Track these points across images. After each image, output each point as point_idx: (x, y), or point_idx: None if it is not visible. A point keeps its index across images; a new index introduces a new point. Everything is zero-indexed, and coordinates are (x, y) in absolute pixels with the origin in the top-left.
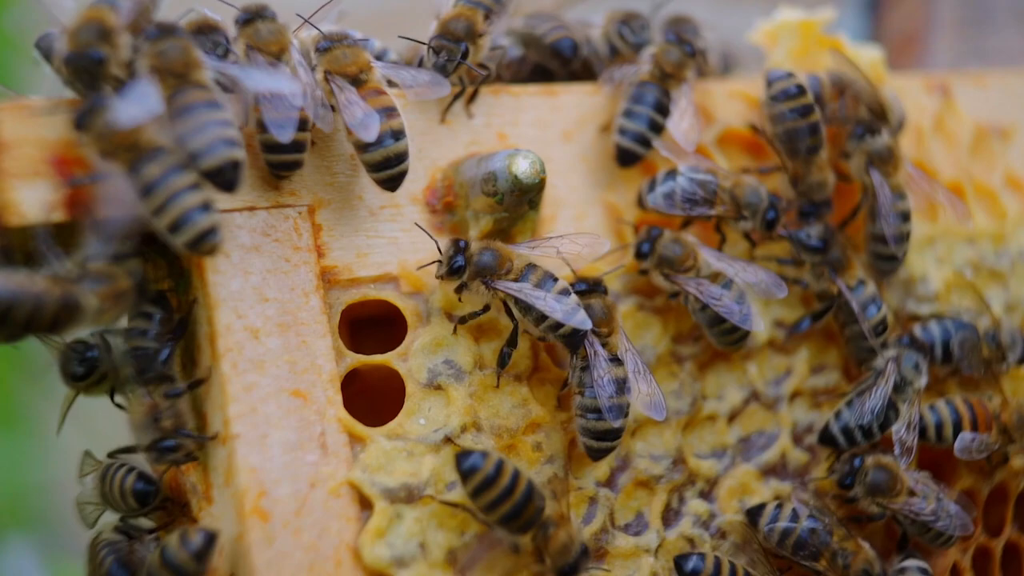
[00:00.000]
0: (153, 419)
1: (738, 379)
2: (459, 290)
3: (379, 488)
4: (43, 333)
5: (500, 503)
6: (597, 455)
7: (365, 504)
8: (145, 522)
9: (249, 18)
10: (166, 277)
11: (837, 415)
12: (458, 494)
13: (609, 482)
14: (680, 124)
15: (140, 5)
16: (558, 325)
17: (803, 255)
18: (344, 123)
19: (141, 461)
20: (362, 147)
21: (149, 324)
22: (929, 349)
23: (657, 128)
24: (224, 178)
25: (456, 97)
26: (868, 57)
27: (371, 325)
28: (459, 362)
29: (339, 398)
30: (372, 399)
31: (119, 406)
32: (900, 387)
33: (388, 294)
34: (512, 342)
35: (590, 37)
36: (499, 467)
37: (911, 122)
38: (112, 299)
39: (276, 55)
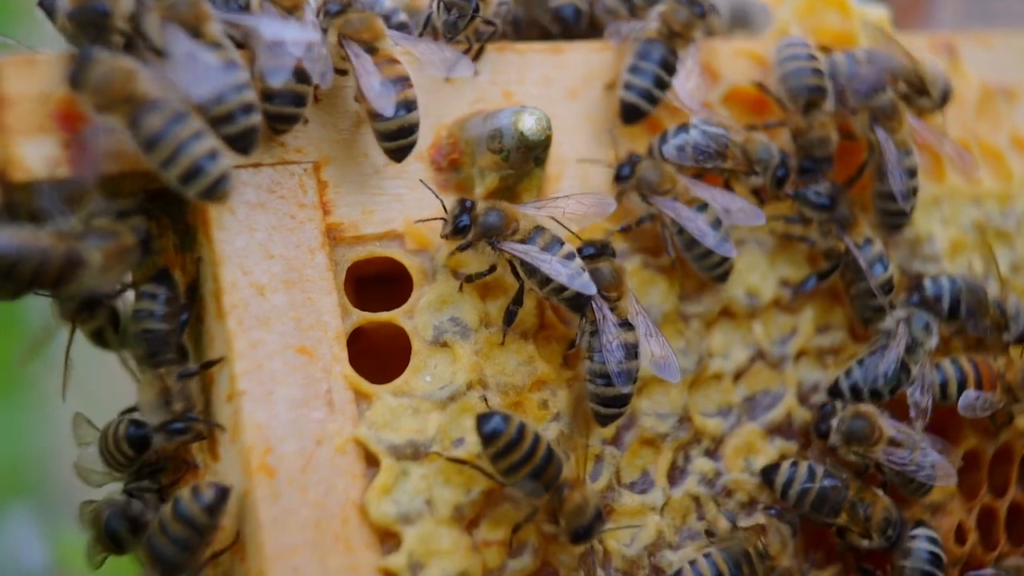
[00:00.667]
0: (164, 401)
1: (744, 338)
2: (462, 248)
3: (385, 445)
4: (47, 289)
5: (521, 466)
6: (605, 421)
7: (371, 461)
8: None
9: None
10: (171, 235)
11: (848, 372)
12: (464, 451)
13: (615, 440)
14: (686, 83)
15: None
16: (562, 288)
17: (810, 213)
18: (360, 91)
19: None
20: (375, 115)
21: (156, 304)
22: (936, 302)
23: (663, 86)
24: (242, 143)
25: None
26: (874, 17)
27: (376, 283)
28: (465, 319)
29: (345, 355)
30: (377, 357)
31: (101, 346)
32: (911, 348)
33: (393, 251)
34: (518, 300)
35: None
36: (521, 430)
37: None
38: (116, 256)
39: (290, 10)
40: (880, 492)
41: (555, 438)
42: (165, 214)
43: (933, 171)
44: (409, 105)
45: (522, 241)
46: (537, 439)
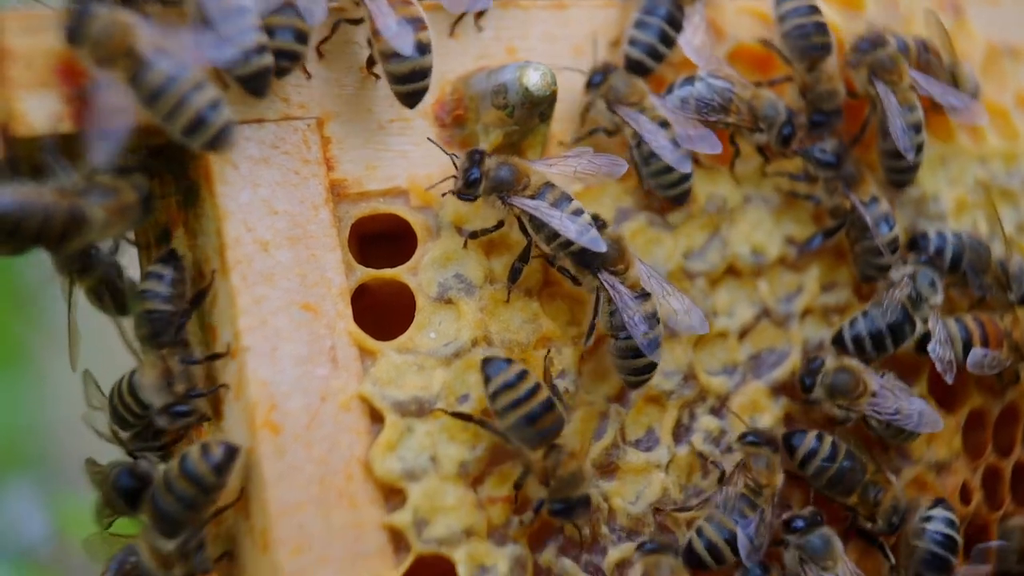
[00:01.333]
0: (166, 383)
1: (749, 296)
2: (470, 199)
3: (390, 401)
4: (50, 246)
5: (517, 406)
6: (637, 386)
7: (376, 418)
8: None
9: None
10: (173, 192)
11: (852, 322)
12: (469, 407)
13: (620, 397)
14: (692, 40)
15: None
16: (569, 243)
17: (816, 170)
18: (374, 31)
19: None
20: (389, 57)
21: (161, 286)
22: (938, 255)
23: (668, 42)
24: (255, 84)
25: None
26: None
27: (380, 241)
28: (469, 276)
29: (349, 312)
30: (381, 315)
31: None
32: (916, 303)
33: (398, 208)
34: (524, 257)
35: None
36: (522, 374)
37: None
38: (118, 213)
39: None
40: (893, 478)
41: (560, 391)
42: (167, 170)
43: (938, 131)
44: (423, 48)
45: (532, 197)
46: (538, 386)
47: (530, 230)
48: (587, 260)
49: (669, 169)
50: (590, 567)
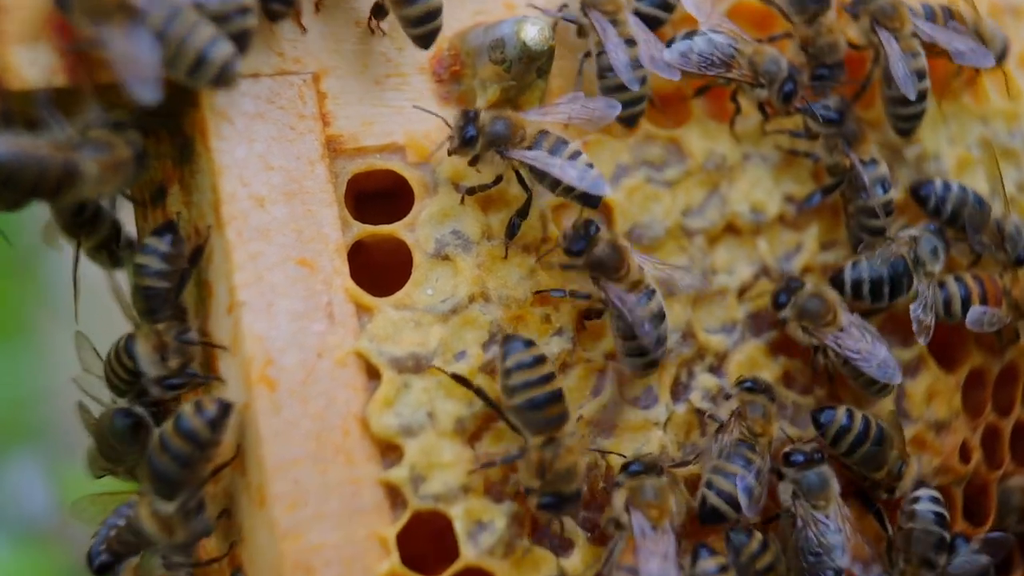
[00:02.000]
0: (160, 357)
1: (748, 254)
2: (473, 162)
3: (386, 357)
4: (44, 199)
5: (529, 388)
6: (645, 375)
7: (373, 374)
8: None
9: None
10: (168, 148)
11: (854, 264)
12: (466, 364)
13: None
14: None
15: None
16: (572, 188)
17: (817, 127)
18: None
19: None
20: (402, 1)
21: (158, 261)
22: (942, 203)
23: (668, 8)
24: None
25: None
26: None
27: (377, 199)
28: (467, 232)
29: (346, 268)
30: (378, 273)
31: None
32: (915, 264)
33: (394, 164)
34: (523, 212)
35: None
36: (541, 358)
37: None
38: (112, 168)
39: None
40: (909, 451)
41: (558, 353)
42: (162, 127)
43: (940, 88)
44: None
45: (529, 148)
46: (553, 375)
47: (530, 182)
48: (591, 202)
49: (622, 87)
50: (587, 523)
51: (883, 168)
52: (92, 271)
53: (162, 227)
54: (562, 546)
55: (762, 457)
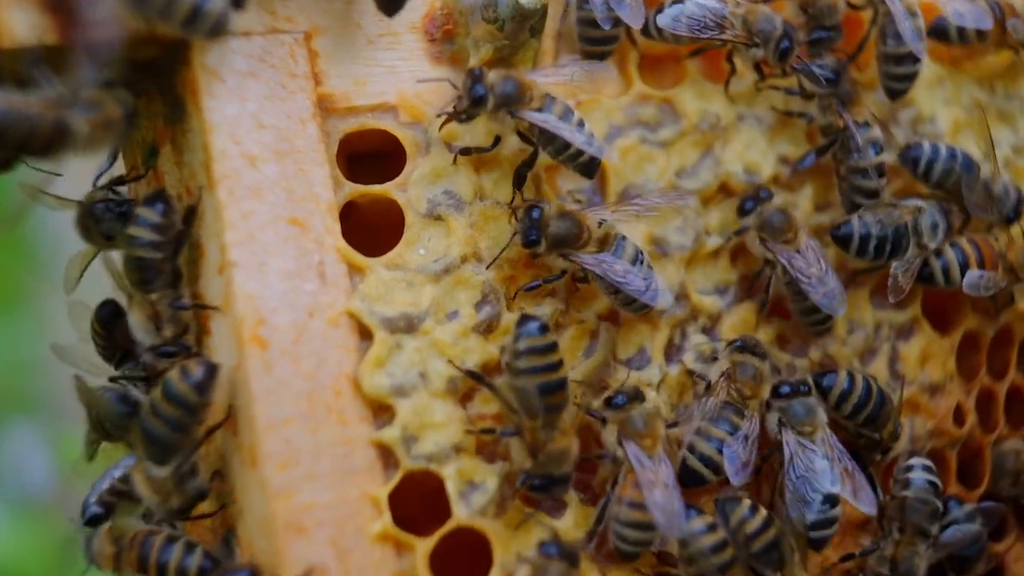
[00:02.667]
0: (154, 327)
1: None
2: (466, 120)
3: (378, 317)
4: (34, 157)
5: (537, 373)
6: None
7: (364, 334)
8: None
9: None
10: (160, 108)
11: (861, 217)
12: (459, 324)
13: (611, 316)
14: None
15: None
16: (578, 154)
17: (813, 86)
18: None
19: None
20: None
21: (150, 232)
22: (930, 165)
23: None
24: None
25: None
26: None
27: (369, 161)
28: (459, 192)
29: (337, 227)
30: (370, 234)
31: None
32: (913, 232)
33: (387, 123)
34: (529, 163)
35: None
36: (554, 346)
37: None
38: (102, 127)
39: None
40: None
41: (550, 314)
42: (153, 86)
43: (936, 51)
44: None
45: (539, 109)
46: (562, 362)
47: (538, 143)
48: (591, 171)
49: (596, 23)
50: (580, 483)
51: (876, 131)
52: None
53: (152, 196)
54: (555, 507)
55: (751, 420)
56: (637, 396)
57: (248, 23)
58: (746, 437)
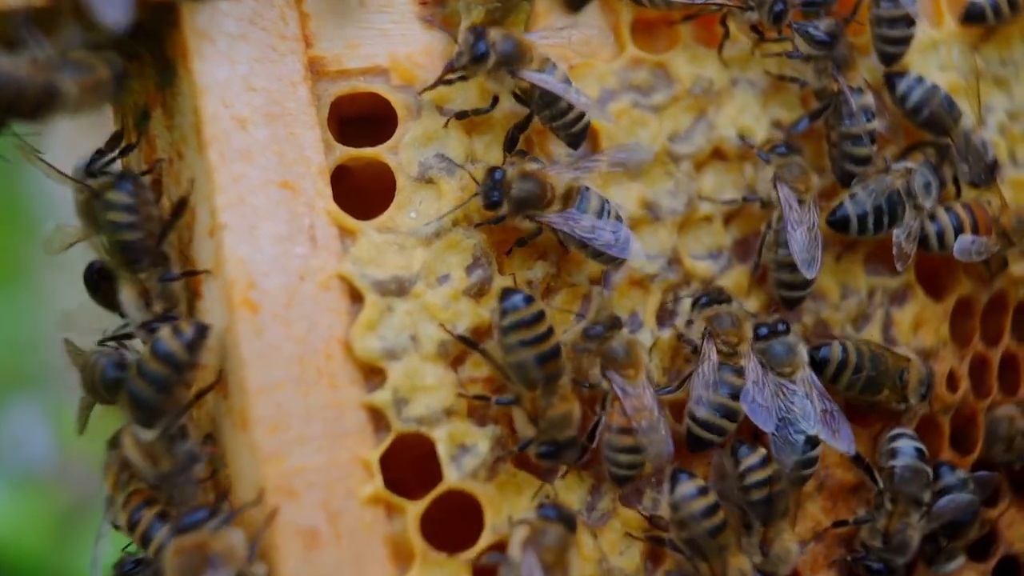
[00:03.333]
0: (144, 303)
1: (735, 181)
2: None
3: (369, 281)
4: (23, 119)
5: (528, 346)
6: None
7: (356, 297)
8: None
9: None
10: (150, 72)
11: (852, 197)
12: (450, 288)
13: (603, 280)
14: None
15: None
16: (573, 121)
17: (809, 49)
18: None
19: None
20: None
21: (125, 214)
22: (904, 97)
23: None
24: None
25: None
26: None
27: (360, 126)
28: (451, 155)
29: (328, 191)
30: (361, 198)
31: None
32: (907, 195)
33: (378, 87)
34: (522, 126)
35: None
36: (540, 315)
37: None
38: (91, 90)
39: None
40: (911, 354)
41: (542, 277)
42: (144, 49)
43: (932, 15)
44: None
45: (540, 70)
46: (551, 330)
47: (535, 107)
48: (579, 139)
49: None
50: None
51: (869, 97)
52: None
53: (118, 177)
54: (548, 471)
55: (751, 360)
56: (615, 325)
57: None
58: (755, 382)
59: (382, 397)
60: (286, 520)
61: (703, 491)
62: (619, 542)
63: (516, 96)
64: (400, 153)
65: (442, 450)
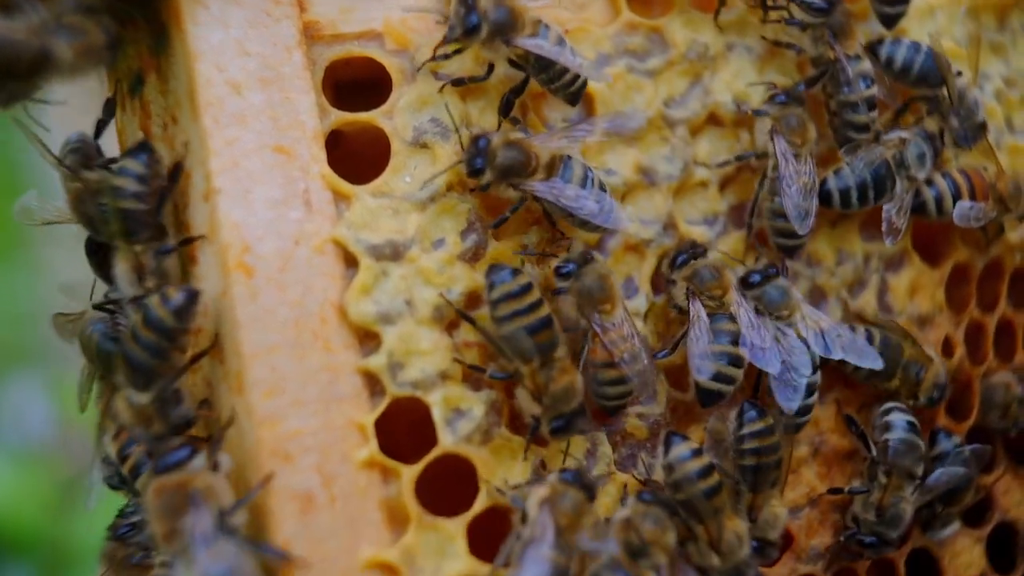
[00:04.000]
0: (137, 277)
1: (731, 146)
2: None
3: (364, 245)
4: (16, 81)
5: (519, 316)
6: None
7: (350, 262)
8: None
9: None
10: (145, 37)
11: (837, 172)
12: (445, 252)
13: (598, 246)
14: None
15: None
16: (571, 81)
17: (806, 15)
18: None
19: None
20: None
21: (134, 183)
22: (890, 60)
23: None
24: None
25: None
26: None
27: (355, 92)
28: (445, 120)
29: (323, 155)
30: (356, 163)
31: None
32: (900, 166)
33: (373, 51)
34: (518, 90)
35: None
36: (527, 288)
37: None
38: (85, 54)
39: None
40: (933, 354)
41: (537, 242)
42: (138, 13)
43: None
44: None
45: (533, 35)
46: (540, 301)
47: (531, 72)
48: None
49: None
50: None
51: (866, 63)
52: None
53: (136, 147)
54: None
55: (741, 306)
56: (586, 260)
57: None
58: (749, 326)
59: (377, 361)
60: (281, 484)
61: (697, 453)
62: (614, 506)
63: (511, 62)
64: (395, 118)
65: (437, 414)
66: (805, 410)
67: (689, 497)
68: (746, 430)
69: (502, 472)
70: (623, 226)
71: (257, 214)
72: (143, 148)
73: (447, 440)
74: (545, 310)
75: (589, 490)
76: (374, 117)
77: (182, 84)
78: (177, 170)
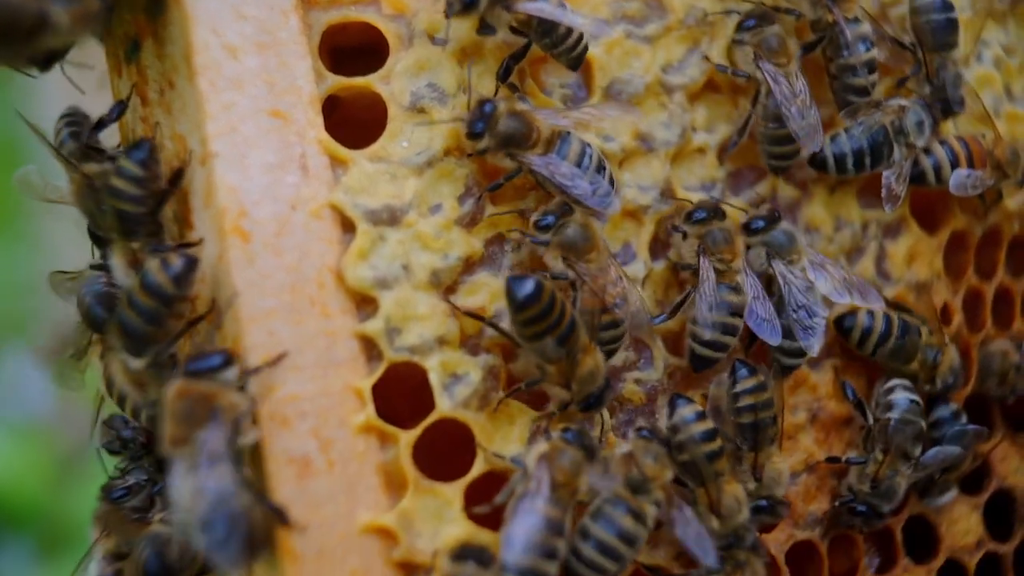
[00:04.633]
0: (132, 271)
1: (729, 114)
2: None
3: (361, 210)
4: (14, 45)
5: (548, 332)
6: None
7: (347, 227)
8: None
9: None
10: (142, 4)
11: (833, 138)
12: (442, 217)
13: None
14: None
15: None
16: (578, 42)
17: None
18: None
19: None
20: None
21: (133, 186)
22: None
23: None
24: None
25: None
26: None
27: (352, 58)
28: (442, 85)
29: (320, 120)
30: (353, 129)
31: None
32: (898, 134)
33: (369, 16)
34: (518, 56)
35: None
36: (552, 299)
37: None
38: (82, 19)
39: None
40: (948, 340)
41: (535, 208)
42: None
43: None
44: None
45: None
46: (564, 307)
47: (533, 36)
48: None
49: None
50: None
51: (866, 26)
52: None
53: (135, 146)
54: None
55: (747, 277)
56: (565, 212)
57: None
58: (756, 297)
59: (374, 326)
60: (279, 448)
61: (701, 415)
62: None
63: (512, 28)
64: (392, 82)
65: (434, 379)
66: (799, 352)
67: (692, 458)
68: (740, 387)
69: (499, 437)
70: (615, 211)
71: (253, 178)
72: (143, 148)
73: (444, 405)
74: (570, 314)
75: (590, 451)
76: (371, 82)
77: (178, 48)
78: (178, 175)
